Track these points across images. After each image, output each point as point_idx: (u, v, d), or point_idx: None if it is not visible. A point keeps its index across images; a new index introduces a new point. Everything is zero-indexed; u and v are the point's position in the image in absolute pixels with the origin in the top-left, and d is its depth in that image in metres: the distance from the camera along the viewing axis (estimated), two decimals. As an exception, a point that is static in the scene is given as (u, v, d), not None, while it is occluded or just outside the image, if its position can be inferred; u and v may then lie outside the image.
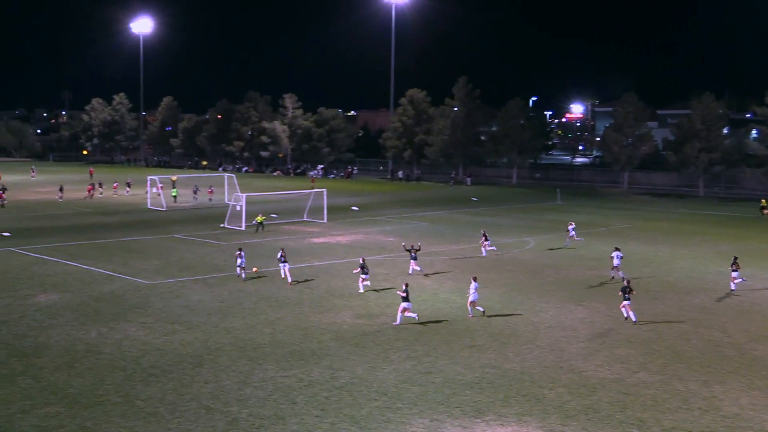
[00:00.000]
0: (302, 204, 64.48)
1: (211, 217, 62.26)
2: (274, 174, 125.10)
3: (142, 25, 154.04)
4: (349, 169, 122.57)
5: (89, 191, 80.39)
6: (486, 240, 45.59)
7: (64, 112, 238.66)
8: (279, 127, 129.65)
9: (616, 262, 38.37)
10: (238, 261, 37.70)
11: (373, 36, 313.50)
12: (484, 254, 44.94)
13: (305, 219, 61.00)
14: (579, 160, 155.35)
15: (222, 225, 57.05)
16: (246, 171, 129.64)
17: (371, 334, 27.89)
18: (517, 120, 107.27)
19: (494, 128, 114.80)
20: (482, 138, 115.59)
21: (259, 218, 55.21)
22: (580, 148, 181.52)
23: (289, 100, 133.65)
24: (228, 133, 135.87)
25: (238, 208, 58.29)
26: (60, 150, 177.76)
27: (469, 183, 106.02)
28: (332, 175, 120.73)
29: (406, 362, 24.72)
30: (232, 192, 70.56)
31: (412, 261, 39.16)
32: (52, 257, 43.24)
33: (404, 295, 29.18)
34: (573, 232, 48.69)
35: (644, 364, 24.82)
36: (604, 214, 68.99)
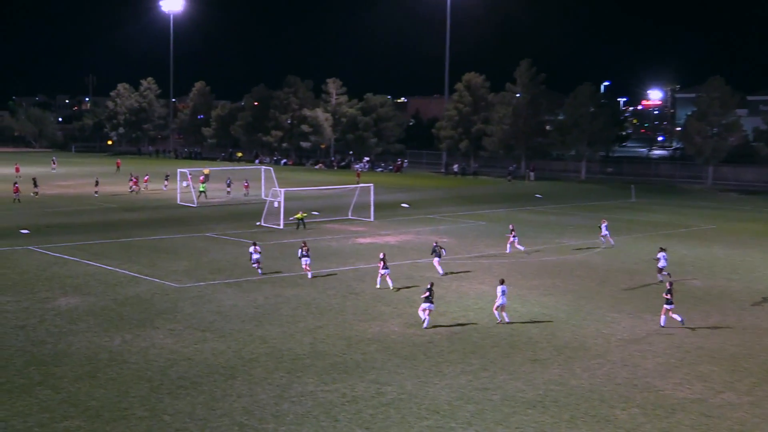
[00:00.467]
0: (347, 200, 64.66)
1: (247, 214, 62.79)
2: (316, 167, 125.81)
3: (173, 3, 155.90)
4: (399, 162, 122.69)
5: (134, 184, 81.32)
6: (514, 237, 45.99)
7: (87, 99, 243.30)
8: (321, 115, 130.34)
9: (662, 263, 38.65)
10: (254, 256, 38.81)
11: (426, 14, 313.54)
12: (508, 251, 45.83)
13: (350, 217, 61.18)
14: (657, 152, 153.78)
15: (258, 223, 57.50)
16: (285, 163, 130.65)
17: (422, 346, 27.84)
18: (587, 107, 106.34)
19: (561, 117, 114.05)
20: (547, 128, 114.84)
21: (299, 215, 55.54)
22: (659, 139, 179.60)
23: (333, 86, 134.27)
24: (265, 122, 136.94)
25: (276, 204, 58.63)
26: (83, 140, 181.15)
27: (532, 178, 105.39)
28: (380, 169, 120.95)
29: (460, 377, 24.64)
30: (270, 187, 70.96)
31: (436, 258, 39.41)
32: (74, 257, 43.98)
33: (426, 295, 29.78)
34: (606, 231, 48.43)
35: (730, 384, 24.40)
36: (685, 214, 68.06)
